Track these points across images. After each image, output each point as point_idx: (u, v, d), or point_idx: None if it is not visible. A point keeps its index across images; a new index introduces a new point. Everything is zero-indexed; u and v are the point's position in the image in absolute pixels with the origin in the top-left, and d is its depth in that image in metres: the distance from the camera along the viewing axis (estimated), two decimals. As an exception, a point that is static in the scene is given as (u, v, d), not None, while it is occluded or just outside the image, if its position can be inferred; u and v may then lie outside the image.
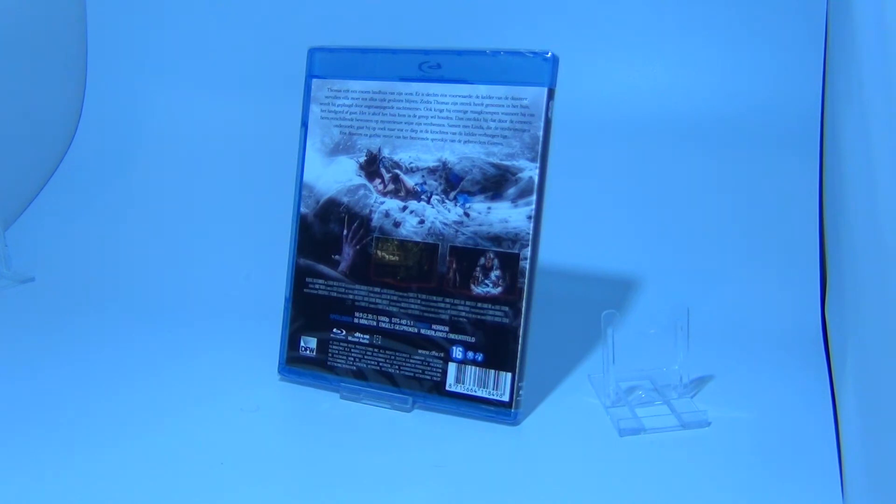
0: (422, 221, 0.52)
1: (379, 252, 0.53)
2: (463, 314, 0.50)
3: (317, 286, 0.54)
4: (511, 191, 0.49)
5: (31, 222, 0.87)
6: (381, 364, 0.52)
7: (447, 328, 0.51)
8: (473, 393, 0.50)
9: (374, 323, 0.53)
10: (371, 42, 0.57)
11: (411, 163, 0.52)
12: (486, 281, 0.50)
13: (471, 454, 0.46)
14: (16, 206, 0.88)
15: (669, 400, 0.51)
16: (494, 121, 0.50)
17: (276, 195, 0.69)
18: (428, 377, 0.51)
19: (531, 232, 0.49)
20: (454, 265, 0.51)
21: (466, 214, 0.51)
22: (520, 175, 0.49)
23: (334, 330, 0.54)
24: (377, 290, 0.53)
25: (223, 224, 0.82)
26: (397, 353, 0.52)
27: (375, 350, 0.52)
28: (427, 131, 0.51)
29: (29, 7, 0.88)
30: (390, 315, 0.52)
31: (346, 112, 0.54)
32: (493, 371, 0.50)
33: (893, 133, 0.37)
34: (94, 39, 0.96)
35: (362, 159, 0.53)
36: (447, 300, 0.51)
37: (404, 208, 0.52)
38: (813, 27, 0.75)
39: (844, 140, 0.55)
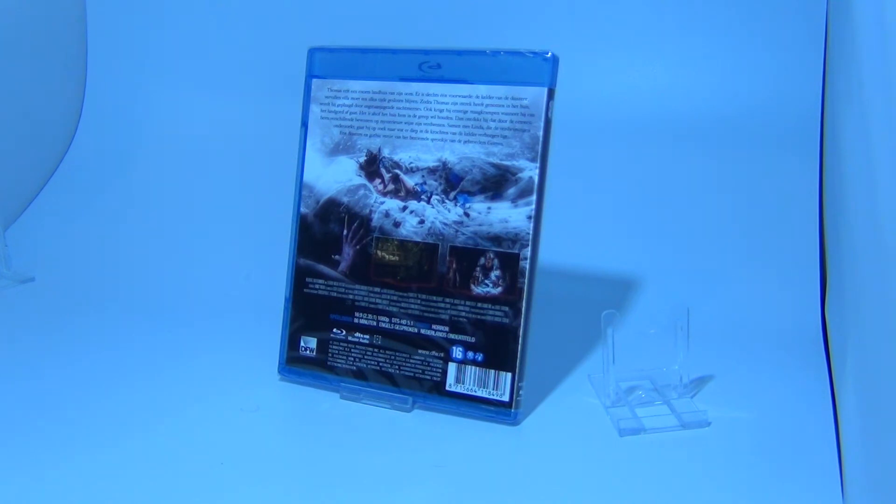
0: (422, 221, 0.52)
1: (379, 252, 0.52)
2: (463, 314, 0.50)
3: (317, 286, 0.54)
4: (511, 191, 0.49)
5: (31, 222, 0.87)
6: (381, 364, 0.52)
7: (447, 328, 0.51)
8: (473, 393, 0.50)
9: (374, 323, 0.53)
10: (371, 42, 0.57)
11: (411, 163, 0.52)
12: (486, 281, 0.50)
13: (471, 454, 0.46)
14: (16, 206, 0.88)
15: (669, 400, 0.51)
16: (494, 121, 0.50)
17: (276, 195, 0.69)
18: (428, 377, 0.51)
19: (531, 232, 0.49)
20: (454, 265, 0.51)
21: (466, 214, 0.51)
22: (520, 175, 0.49)
23: (334, 330, 0.54)
24: (377, 290, 0.53)
25: (223, 224, 0.82)
26: (397, 353, 0.52)
27: (375, 350, 0.52)
28: (427, 131, 0.51)
29: (29, 7, 0.88)
30: (390, 315, 0.52)
31: (346, 112, 0.54)
32: (493, 371, 0.50)
33: (893, 133, 0.37)
34: (94, 39, 0.96)
35: (362, 159, 0.53)
36: (447, 300, 0.51)
37: (404, 208, 0.52)
38: (813, 27, 0.75)
39: (844, 140, 0.55)
